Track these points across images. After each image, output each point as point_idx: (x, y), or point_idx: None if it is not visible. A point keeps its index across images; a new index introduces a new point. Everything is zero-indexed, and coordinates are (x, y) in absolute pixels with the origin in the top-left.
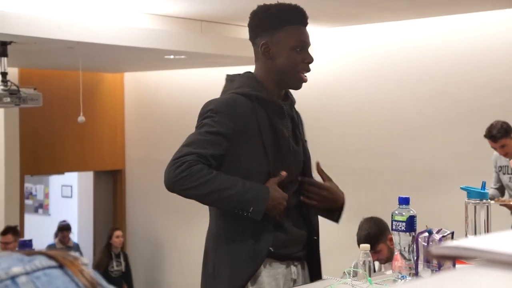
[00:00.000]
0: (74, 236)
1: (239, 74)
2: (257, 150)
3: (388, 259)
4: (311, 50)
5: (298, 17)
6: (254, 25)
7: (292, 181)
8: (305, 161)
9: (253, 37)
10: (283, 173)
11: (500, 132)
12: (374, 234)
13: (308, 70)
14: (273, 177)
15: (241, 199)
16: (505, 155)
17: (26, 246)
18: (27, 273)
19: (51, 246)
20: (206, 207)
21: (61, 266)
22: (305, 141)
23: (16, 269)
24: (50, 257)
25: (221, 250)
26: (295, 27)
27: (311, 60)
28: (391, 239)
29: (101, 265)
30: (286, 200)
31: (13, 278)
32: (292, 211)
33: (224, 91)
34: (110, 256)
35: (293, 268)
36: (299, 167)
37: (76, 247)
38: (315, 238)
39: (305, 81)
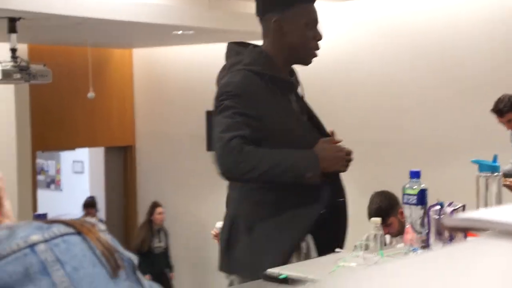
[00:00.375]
0: (102, 214)
1: (245, 47)
2: (279, 127)
3: (399, 233)
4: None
5: None
6: (265, 1)
7: None
8: (319, 127)
9: (262, 13)
10: (331, 130)
11: (506, 106)
12: (385, 207)
13: (319, 47)
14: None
15: (296, 166)
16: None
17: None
18: (45, 241)
19: None
20: (218, 180)
21: (79, 233)
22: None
23: (34, 237)
24: (68, 224)
25: (265, 218)
26: (306, 5)
27: (321, 37)
28: (401, 213)
29: (145, 241)
30: (342, 150)
31: (31, 246)
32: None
33: (231, 64)
34: (151, 232)
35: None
36: (316, 135)
37: None
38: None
39: (315, 56)
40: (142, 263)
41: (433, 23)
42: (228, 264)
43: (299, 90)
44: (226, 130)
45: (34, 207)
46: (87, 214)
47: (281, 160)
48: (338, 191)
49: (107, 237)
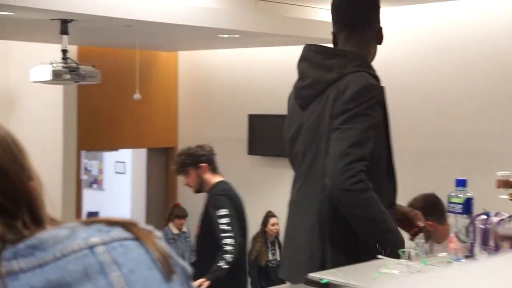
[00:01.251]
0: (143, 214)
1: (348, 51)
2: (384, 135)
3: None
4: None
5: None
6: (372, 10)
7: None
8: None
9: (368, 21)
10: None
11: None
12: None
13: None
14: (391, 152)
15: (385, 237)
16: None
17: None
18: (104, 244)
19: (166, 230)
20: (258, 185)
21: (136, 238)
22: None
23: (94, 239)
24: (127, 229)
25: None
26: (376, 14)
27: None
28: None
29: (262, 254)
30: None
31: (91, 247)
32: None
33: (341, 66)
34: (266, 244)
35: None
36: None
37: (188, 233)
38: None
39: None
40: (259, 276)
41: (479, 30)
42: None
43: None
44: (354, 145)
45: (78, 206)
46: (179, 224)
47: (386, 223)
48: None
49: (163, 244)
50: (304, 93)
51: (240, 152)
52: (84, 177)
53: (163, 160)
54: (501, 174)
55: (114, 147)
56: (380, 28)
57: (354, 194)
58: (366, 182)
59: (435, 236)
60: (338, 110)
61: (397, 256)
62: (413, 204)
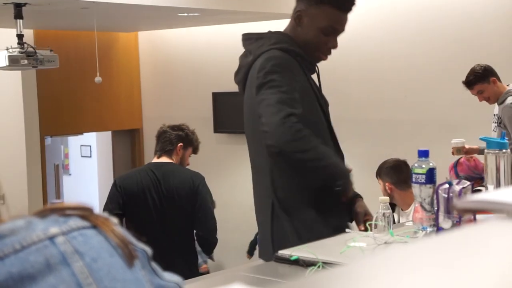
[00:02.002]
0: (95, 194)
1: (268, 32)
2: (308, 102)
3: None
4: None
5: (341, 2)
6: None
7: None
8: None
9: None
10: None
11: (475, 76)
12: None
13: (329, 53)
14: (329, 123)
15: (334, 171)
16: (488, 101)
17: None
18: (63, 234)
19: None
20: (226, 164)
21: (94, 226)
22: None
23: (53, 230)
24: (84, 218)
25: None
26: (333, 11)
27: (335, 46)
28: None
29: None
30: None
31: (51, 238)
32: None
33: (256, 48)
34: None
35: None
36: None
37: None
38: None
39: (322, 60)
40: None
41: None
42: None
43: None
44: (282, 103)
45: (44, 192)
46: None
47: (329, 157)
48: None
49: (121, 230)
50: (236, 80)
51: (206, 130)
52: (58, 162)
53: (129, 142)
54: (455, 141)
55: (78, 131)
56: (299, 11)
57: (298, 140)
58: (302, 130)
59: (397, 201)
60: (254, 86)
61: (348, 187)
62: (382, 165)
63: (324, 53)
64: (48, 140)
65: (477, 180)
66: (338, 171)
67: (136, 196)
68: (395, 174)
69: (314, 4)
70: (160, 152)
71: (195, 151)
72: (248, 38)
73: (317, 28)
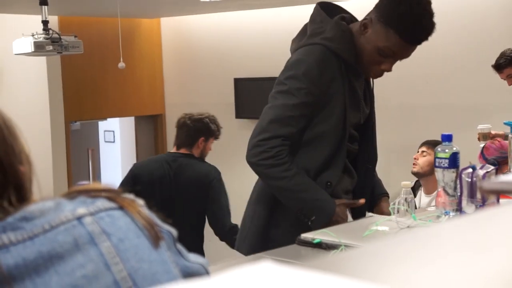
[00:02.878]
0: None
1: (332, 14)
2: (337, 111)
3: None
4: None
5: (407, 33)
6: (383, 4)
7: (355, 134)
8: (369, 121)
9: (375, 6)
10: (361, 201)
11: (505, 59)
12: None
13: (379, 75)
14: (345, 137)
15: (307, 206)
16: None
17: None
18: (91, 214)
19: None
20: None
21: (121, 207)
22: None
23: (81, 210)
24: (111, 199)
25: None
26: (402, 42)
27: (388, 70)
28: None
29: None
30: (345, 221)
31: (79, 218)
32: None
33: (312, 32)
34: None
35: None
36: (359, 123)
37: None
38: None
39: (371, 78)
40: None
41: None
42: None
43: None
44: (273, 121)
45: (69, 177)
46: None
47: (304, 190)
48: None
49: (147, 212)
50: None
51: (228, 116)
52: (93, 147)
53: (152, 128)
54: (481, 127)
55: (102, 117)
56: (369, 21)
57: (262, 169)
58: (279, 158)
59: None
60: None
61: (324, 224)
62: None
63: (374, 73)
64: (78, 125)
65: (506, 159)
66: (310, 206)
67: (146, 186)
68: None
69: (383, 22)
70: (179, 144)
71: (217, 138)
72: (316, 13)
73: (376, 46)
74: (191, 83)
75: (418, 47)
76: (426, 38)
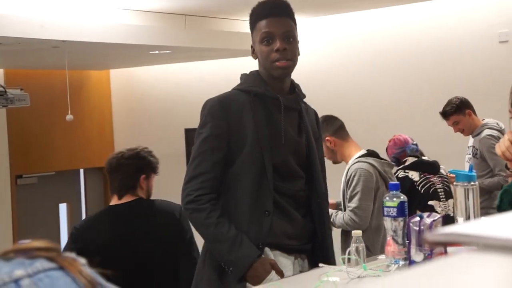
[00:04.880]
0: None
1: (247, 73)
2: (251, 142)
3: None
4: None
5: (264, 10)
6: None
7: (297, 174)
8: (310, 155)
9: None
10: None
11: (451, 108)
12: None
13: (282, 57)
14: (267, 166)
15: (224, 258)
16: (462, 132)
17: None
18: (29, 276)
19: None
20: None
21: (61, 267)
22: (317, 138)
23: (18, 272)
24: (50, 259)
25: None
26: (262, 22)
27: (278, 47)
28: None
29: None
30: (268, 274)
31: (16, 281)
32: (300, 204)
33: (231, 89)
34: None
35: (300, 261)
36: (300, 158)
37: None
38: (324, 231)
39: (281, 67)
40: None
41: (405, 38)
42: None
43: (303, 111)
44: (192, 163)
45: (14, 234)
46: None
47: (222, 241)
48: (323, 223)
49: (89, 271)
50: None
51: (179, 166)
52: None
53: (101, 179)
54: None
55: (50, 170)
56: (251, 45)
57: (187, 214)
58: (200, 203)
59: (341, 155)
60: None
61: (239, 277)
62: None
63: (274, 60)
64: (34, 179)
65: (402, 153)
66: (226, 259)
67: (106, 251)
68: (328, 124)
69: (252, 29)
70: (120, 191)
71: (156, 172)
72: (242, 76)
73: (259, 44)
74: (141, 134)
75: (366, 95)
76: (274, 7)
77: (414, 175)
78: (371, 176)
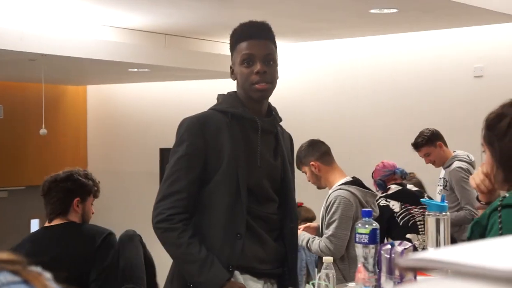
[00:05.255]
0: None
1: (224, 94)
2: (227, 163)
3: None
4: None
5: (246, 32)
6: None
7: (271, 197)
8: (284, 179)
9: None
10: None
11: (423, 139)
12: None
13: (261, 79)
14: (241, 188)
15: (194, 279)
16: (433, 164)
17: None
18: None
19: None
20: None
21: (25, 281)
22: (290, 162)
23: None
24: (15, 272)
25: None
26: (243, 43)
27: (259, 69)
28: None
29: None
30: None
31: None
32: (273, 228)
33: (208, 109)
34: None
35: (269, 286)
36: (274, 182)
37: None
38: (294, 255)
39: (260, 89)
40: None
41: (383, 66)
42: None
43: (280, 134)
44: (166, 181)
45: None
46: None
47: (192, 261)
48: (292, 247)
49: (54, 285)
50: None
51: (152, 185)
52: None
53: None
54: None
55: (21, 184)
56: (230, 66)
57: (159, 233)
58: (172, 222)
59: (325, 181)
60: None
61: None
62: (299, 152)
63: (253, 82)
64: (4, 193)
65: (390, 176)
66: (196, 279)
67: None
68: (314, 149)
69: (232, 51)
70: (50, 214)
71: (96, 196)
72: (220, 96)
73: (239, 66)
74: (116, 151)
75: (345, 122)
76: (256, 29)
77: (395, 206)
78: (350, 205)
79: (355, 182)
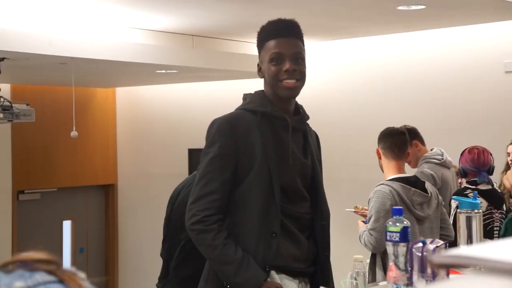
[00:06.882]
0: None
1: (252, 93)
2: (259, 162)
3: None
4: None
5: (275, 30)
6: (258, 46)
7: (303, 195)
8: (314, 176)
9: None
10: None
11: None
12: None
13: (290, 77)
14: (275, 187)
15: (231, 280)
16: (409, 164)
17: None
18: None
19: None
20: None
21: (61, 281)
22: (319, 159)
23: (18, 284)
24: (50, 272)
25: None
26: (272, 41)
27: (288, 68)
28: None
29: None
30: None
31: None
32: (305, 226)
33: (236, 109)
34: None
35: (303, 285)
36: (305, 180)
37: None
38: (326, 254)
39: (289, 87)
40: None
41: (412, 64)
42: None
43: (308, 132)
44: (200, 182)
45: (13, 249)
46: None
47: (228, 262)
48: (325, 246)
49: (88, 285)
50: None
51: None
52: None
53: (103, 197)
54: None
55: (52, 186)
56: (258, 63)
57: (194, 234)
58: (207, 224)
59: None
60: None
61: None
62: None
63: (282, 80)
64: (37, 194)
65: (473, 173)
66: (232, 280)
67: None
68: (385, 138)
69: (260, 48)
70: None
71: None
72: (247, 95)
73: (267, 64)
74: (145, 153)
75: (372, 120)
76: (284, 27)
77: (482, 204)
78: (387, 198)
79: (401, 179)
